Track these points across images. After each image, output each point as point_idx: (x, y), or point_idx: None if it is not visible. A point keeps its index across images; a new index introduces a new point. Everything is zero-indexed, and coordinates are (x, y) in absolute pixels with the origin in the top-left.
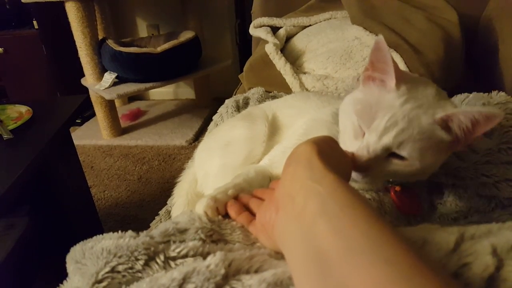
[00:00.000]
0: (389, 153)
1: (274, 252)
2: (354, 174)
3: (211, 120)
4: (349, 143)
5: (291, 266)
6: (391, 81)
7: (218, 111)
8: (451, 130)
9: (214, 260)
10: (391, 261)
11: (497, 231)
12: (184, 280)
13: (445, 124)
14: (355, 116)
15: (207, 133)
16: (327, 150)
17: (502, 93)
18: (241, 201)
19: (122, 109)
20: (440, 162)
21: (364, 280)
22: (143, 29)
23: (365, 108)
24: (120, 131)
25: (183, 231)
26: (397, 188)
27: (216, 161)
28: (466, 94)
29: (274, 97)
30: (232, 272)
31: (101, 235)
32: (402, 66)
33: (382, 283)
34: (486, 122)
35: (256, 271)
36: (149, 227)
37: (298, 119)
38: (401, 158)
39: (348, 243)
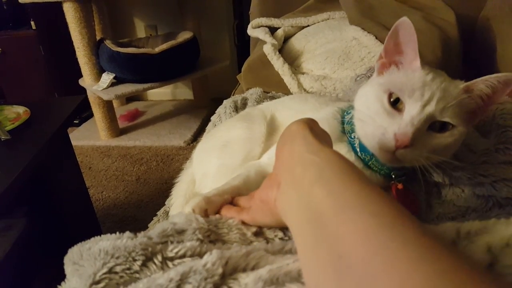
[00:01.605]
0: (429, 125)
1: (270, 247)
2: (399, 154)
3: (209, 120)
4: (386, 124)
5: (293, 231)
6: (415, 62)
7: (216, 112)
8: (472, 99)
9: (211, 258)
10: (377, 213)
11: (492, 227)
12: (182, 280)
13: (466, 94)
14: (385, 96)
15: (205, 133)
16: (315, 128)
17: None
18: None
19: (120, 110)
20: (465, 134)
21: (352, 230)
22: (141, 30)
23: (397, 86)
24: (118, 132)
25: (180, 231)
26: (399, 186)
27: (215, 162)
28: None
29: (272, 98)
30: (229, 271)
31: (99, 236)
32: None
33: (368, 231)
34: (504, 87)
35: (253, 269)
36: (147, 227)
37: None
38: (442, 130)
39: (340, 202)
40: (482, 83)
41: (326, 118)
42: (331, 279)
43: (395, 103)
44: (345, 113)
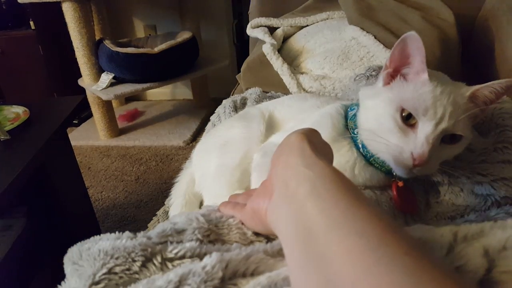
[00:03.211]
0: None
1: (269, 248)
2: (417, 170)
3: (208, 120)
4: (402, 143)
5: (283, 244)
6: (423, 74)
7: (215, 112)
8: (476, 104)
9: (211, 261)
10: (362, 233)
11: (489, 230)
12: (180, 282)
13: (471, 100)
14: (398, 113)
15: (204, 133)
16: (314, 140)
17: None
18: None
19: (119, 110)
20: (472, 136)
21: (339, 251)
22: (140, 30)
23: (409, 102)
24: (117, 132)
25: (180, 231)
26: (400, 184)
27: (214, 162)
28: None
29: (271, 97)
30: (228, 275)
31: (98, 236)
32: None
33: (355, 253)
34: (505, 91)
35: (252, 274)
36: (147, 227)
37: (296, 117)
38: (452, 141)
39: (330, 220)
40: (486, 90)
41: (329, 112)
42: None
43: (407, 118)
44: (348, 109)
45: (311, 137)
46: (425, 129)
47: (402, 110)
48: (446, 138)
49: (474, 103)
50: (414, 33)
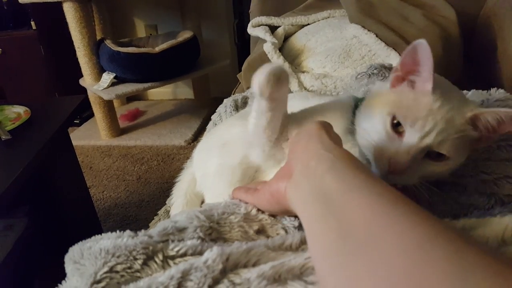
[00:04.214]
0: (425, 153)
1: (270, 243)
2: (391, 177)
3: (210, 119)
4: (384, 146)
5: (300, 211)
6: (428, 85)
7: (216, 111)
8: (477, 128)
9: (211, 255)
10: (383, 194)
11: (486, 221)
12: (183, 277)
13: (472, 122)
14: (388, 118)
15: (205, 132)
16: (329, 130)
17: (501, 90)
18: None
19: (121, 110)
20: (463, 160)
21: (358, 204)
22: (141, 29)
23: (402, 110)
24: (118, 132)
25: (181, 229)
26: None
27: (214, 161)
28: (465, 91)
29: None
30: (230, 267)
31: (99, 235)
32: None
33: (372, 204)
34: (511, 122)
35: (254, 265)
36: (148, 227)
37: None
38: (437, 159)
39: (349, 186)
40: (490, 115)
41: (337, 106)
42: (335, 242)
43: (397, 125)
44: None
45: (327, 127)
46: (409, 140)
47: (394, 116)
48: (432, 154)
49: (476, 126)
50: (424, 42)
